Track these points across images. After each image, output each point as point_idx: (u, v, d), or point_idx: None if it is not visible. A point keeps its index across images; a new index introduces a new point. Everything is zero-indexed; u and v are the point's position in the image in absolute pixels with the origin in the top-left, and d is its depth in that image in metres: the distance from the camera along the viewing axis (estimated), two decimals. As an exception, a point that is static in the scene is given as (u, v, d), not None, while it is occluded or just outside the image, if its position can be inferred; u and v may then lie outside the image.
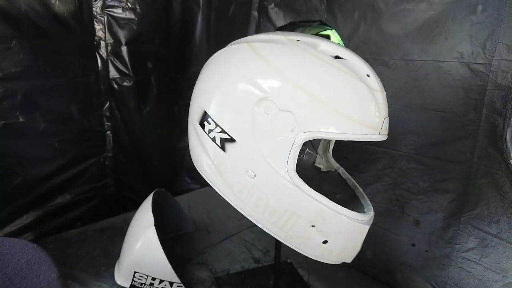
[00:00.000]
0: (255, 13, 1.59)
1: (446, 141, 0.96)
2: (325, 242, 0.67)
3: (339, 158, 0.91)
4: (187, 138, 0.78)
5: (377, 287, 1.12)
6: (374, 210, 0.72)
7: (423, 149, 1.01)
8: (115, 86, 1.41)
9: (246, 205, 0.68)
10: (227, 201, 0.71)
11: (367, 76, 0.64)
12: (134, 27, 1.37)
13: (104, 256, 1.17)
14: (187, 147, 0.80)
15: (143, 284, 1.00)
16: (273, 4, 1.48)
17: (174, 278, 0.99)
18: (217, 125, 0.67)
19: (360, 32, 1.12)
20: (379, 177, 1.12)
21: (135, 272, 0.99)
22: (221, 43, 0.77)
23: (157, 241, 0.96)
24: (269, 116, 0.62)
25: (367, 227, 0.68)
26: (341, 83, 0.62)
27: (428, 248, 1.03)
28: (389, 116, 0.66)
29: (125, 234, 1.07)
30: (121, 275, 1.03)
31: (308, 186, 0.64)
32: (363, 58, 0.67)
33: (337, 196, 0.82)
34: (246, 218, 0.70)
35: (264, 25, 1.54)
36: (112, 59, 1.38)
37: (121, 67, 1.40)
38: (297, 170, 0.64)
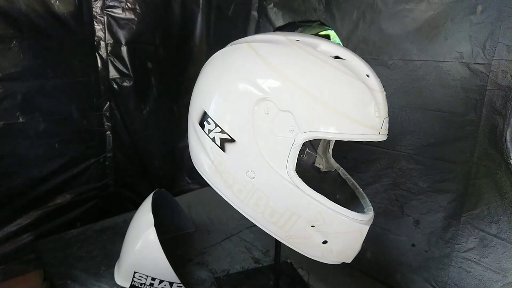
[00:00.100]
0: (254, 13, 1.59)
1: (446, 141, 0.96)
2: (325, 242, 0.67)
3: (338, 158, 0.91)
4: (187, 138, 0.78)
5: (377, 287, 1.12)
6: (374, 210, 0.72)
7: (423, 149, 1.01)
8: (115, 86, 1.41)
9: (246, 205, 0.68)
10: (227, 201, 0.71)
11: (367, 76, 0.64)
12: (134, 27, 1.37)
13: (104, 256, 1.17)
14: (187, 147, 0.80)
15: (143, 284, 1.00)
16: (272, 4, 1.48)
17: (174, 278, 0.99)
18: (216, 125, 0.67)
19: (359, 32, 1.12)
20: (378, 177, 1.12)
21: (135, 272, 0.99)
22: (221, 43, 0.77)
23: (157, 241, 0.96)
24: (268, 116, 0.62)
25: (367, 227, 0.68)
26: (341, 83, 0.62)
27: (428, 248, 1.03)
28: (388, 116, 0.66)
29: (125, 234, 1.07)
30: (121, 275, 1.03)
31: (308, 186, 0.64)
32: (362, 58, 0.67)
33: (337, 196, 0.83)
34: (246, 218, 0.70)
35: (263, 25, 1.54)
36: (112, 59, 1.38)
37: (121, 67, 1.40)
38: (297, 170, 0.64)
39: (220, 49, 0.75)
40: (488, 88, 0.86)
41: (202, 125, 0.70)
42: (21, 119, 1.17)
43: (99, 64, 1.36)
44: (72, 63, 1.28)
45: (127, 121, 1.47)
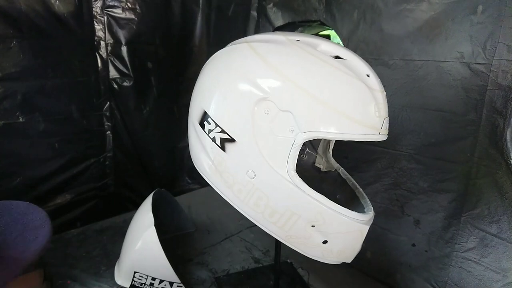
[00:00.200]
0: (254, 13, 1.59)
1: (447, 141, 0.96)
2: (325, 242, 0.67)
3: (339, 158, 0.91)
4: (187, 138, 0.78)
5: (377, 287, 1.12)
6: (374, 210, 0.72)
7: (424, 149, 1.01)
8: (115, 86, 1.41)
9: (246, 205, 0.68)
10: (227, 201, 0.71)
11: (367, 76, 0.64)
12: (134, 27, 1.37)
13: (104, 256, 1.17)
14: (187, 147, 0.80)
15: (143, 284, 1.00)
16: (271, 4, 1.48)
17: (174, 278, 0.99)
18: (217, 125, 0.67)
19: (360, 32, 1.12)
20: (379, 177, 1.12)
21: (135, 272, 0.99)
22: (221, 43, 0.77)
23: (157, 241, 0.96)
24: (269, 116, 0.62)
25: (367, 227, 0.68)
26: (341, 83, 0.62)
27: (428, 248, 1.03)
28: (389, 116, 0.66)
29: (125, 234, 1.07)
30: (121, 275, 1.03)
31: (308, 186, 0.64)
32: (362, 58, 0.66)
33: (337, 196, 0.83)
34: (246, 218, 0.70)
35: (263, 25, 1.54)
36: (112, 59, 1.38)
37: (121, 67, 1.40)
38: (297, 170, 0.64)
39: (220, 49, 0.74)
40: (488, 88, 0.86)
41: (202, 125, 0.70)
42: (21, 119, 1.17)
43: (99, 64, 1.36)
44: (72, 63, 1.28)
45: (127, 121, 1.47)
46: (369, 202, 0.75)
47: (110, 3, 1.32)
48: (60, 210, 1.34)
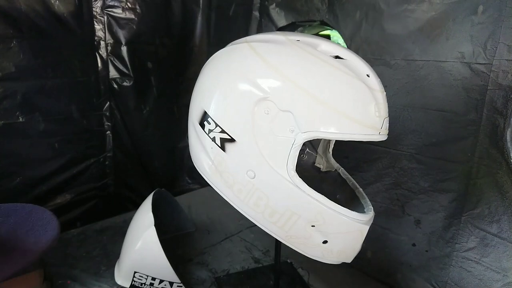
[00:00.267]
0: (256, 13, 1.59)
1: (447, 141, 0.96)
2: (325, 242, 0.67)
3: (339, 158, 0.91)
4: (187, 138, 0.78)
5: (377, 287, 1.12)
6: (374, 210, 0.72)
7: (424, 149, 1.01)
8: (115, 86, 1.41)
9: (246, 205, 0.68)
10: (227, 201, 0.71)
11: (367, 76, 0.64)
12: (134, 27, 1.37)
13: (104, 256, 1.17)
14: (187, 147, 0.80)
15: (143, 284, 1.00)
16: (274, 4, 1.48)
17: (174, 278, 0.99)
18: (217, 125, 0.67)
19: (362, 33, 1.12)
20: (380, 177, 1.12)
21: (135, 272, 0.99)
22: (221, 43, 0.77)
23: (157, 241, 0.96)
24: (269, 116, 0.62)
25: (367, 227, 0.68)
26: (341, 83, 0.61)
27: (429, 247, 1.03)
28: (390, 116, 0.66)
29: (125, 234, 1.07)
30: (121, 275, 1.03)
31: (308, 186, 0.64)
32: (364, 58, 0.66)
33: (337, 196, 0.83)
34: (246, 218, 0.70)
35: (266, 25, 1.54)
36: (112, 59, 1.38)
37: (121, 67, 1.40)
38: (297, 170, 0.64)
39: (220, 49, 0.74)
40: (489, 88, 0.86)
41: (202, 125, 0.70)
42: (21, 119, 1.17)
43: (99, 64, 1.36)
44: (72, 63, 1.28)
45: (127, 121, 1.47)
46: (369, 202, 0.75)
47: (110, 3, 1.32)
48: (60, 210, 1.34)
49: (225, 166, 0.68)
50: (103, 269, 1.10)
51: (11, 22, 1.10)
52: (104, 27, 1.34)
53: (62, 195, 1.35)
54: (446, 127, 0.95)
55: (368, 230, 0.68)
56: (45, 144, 1.26)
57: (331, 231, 0.67)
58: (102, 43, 1.35)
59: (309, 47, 0.64)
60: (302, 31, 1.45)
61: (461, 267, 0.96)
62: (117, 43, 1.37)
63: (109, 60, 1.38)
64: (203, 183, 0.98)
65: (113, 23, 1.34)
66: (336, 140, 0.88)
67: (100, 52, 1.35)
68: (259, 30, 1.58)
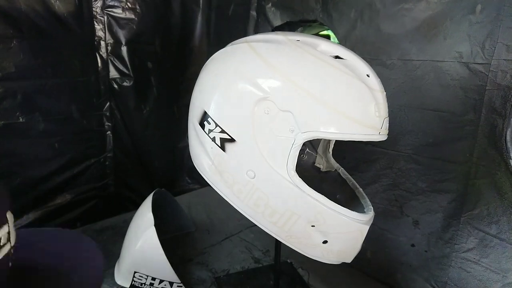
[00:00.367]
0: (253, 13, 1.59)
1: (445, 141, 0.96)
2: (325, 242, 0.67)
3: (338, 158, 0.91)
4: (187, 138, 0.78)
5: (377, 287, 1.12)
6: (373, 211, 0.72)
7: (422, 149, 1.01)
8: (115, 86, 1.41)
9: (246, 205, 0.68)
10: (227, 201, 0.71)
11: (367, 76, 0.64)
12: (134, 27, 1.37)
13: (104, 256, 1.17)
14: (187, 147, 0.80)
15: (143, 284, 1.00)
16: (270, 4, 1.48)
17: (174, 278, 0.99)
18: (217, 125, 0.67)
19: (357, 32, 1.12)
20: (378, 178, 1.12)
21: (135, 272, 0.99)
22: (221, 43, 0.77)
23: (157, 241, 0.96)
24: (269, 116, 0.62)
25: (367, 227, 0.68)
26: (341, 83, 0.62)
27: (428, 248, 1.03)
28: (388, 116, 0.66)
29: (125, 234, 1.07)
30: (121, 275, 1.03)
31: (308, 186, 0.64)
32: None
33: (337, 196, 0.83)
34: (246, 218, 0.70)
35: (262, 25, 1.54)
36: (112, 59, 1.38)
37: (121, 67, 1.40)
38: (297, 170, 0.64)
39: (220, 49, 0.75)
40: (487, 88, 0.86)
41: (202, 125, 0.70)
42: (21, 119, 1.17)
43: (99, 64, 1.36)
44: (72, 63, 1.28)
45: (127, 121, 1.47)
46: (369, 202, 0.75)
47: (110, 3, 1.32)
48: (60, 210, 1.34)
49: (225, 166, 0.68)
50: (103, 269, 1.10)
51: (11, 22, 1.09)
52: (104, 27, 1.34)
53: (62, 195, 1.35)
54: (444, 128, 0.95)
55: (368, 230, 0.68)
56: (45, 144, 1.26)
57: (331, 231, 0.67)
58: (102, 43, 1.35)
59: (309, 47, 0.65)
60: (302, 31, 1.45)
61: (460, 268, 0.96)
62: (117, 43, 1.37)
63: (109, 60, 1.38)
64: (203, 183, 0.98)
65: (113, 23, 1.34)
66: (335, 140, 0.88)
67: (100, 52, 1.35)
68: (256, 30, 1.58)
